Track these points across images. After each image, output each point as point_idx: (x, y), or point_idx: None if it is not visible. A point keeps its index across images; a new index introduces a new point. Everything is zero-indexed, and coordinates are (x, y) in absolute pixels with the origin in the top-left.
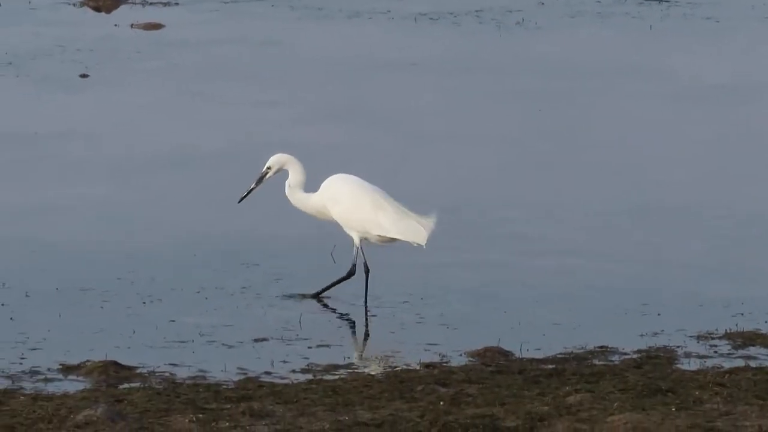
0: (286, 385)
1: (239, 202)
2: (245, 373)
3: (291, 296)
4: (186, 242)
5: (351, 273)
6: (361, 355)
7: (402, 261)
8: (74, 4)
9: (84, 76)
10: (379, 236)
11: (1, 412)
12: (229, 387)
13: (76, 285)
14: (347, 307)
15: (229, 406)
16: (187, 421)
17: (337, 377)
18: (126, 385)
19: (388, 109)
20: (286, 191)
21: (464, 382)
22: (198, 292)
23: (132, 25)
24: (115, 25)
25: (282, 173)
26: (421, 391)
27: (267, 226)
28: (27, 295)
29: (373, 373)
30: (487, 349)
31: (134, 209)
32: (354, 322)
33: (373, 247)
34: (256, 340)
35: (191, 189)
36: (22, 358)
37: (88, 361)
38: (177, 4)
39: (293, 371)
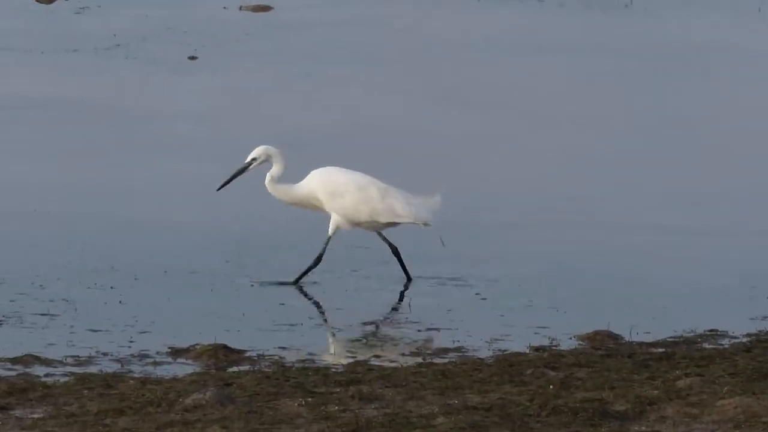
0: (395, 368)
1: (218, 189)
2: (354, 357)
3: (268, 284)
4: (294, 226)
5: (318, 261)
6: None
7: (511, 244)
8: None
9: (192, 58)
10: (386, 223)
11: (111, 395)
12: (338, 370)
13: (185, 268)
14: (456, 291)
15: (338, 389)
16: (296, 404)
17: (446, 361)
18: (235, 369)
19: (495, 92)
20: (266, 182)
21: (574, 366)
22: (307, 276)
23: (241, 8)
24: (224, 7)
25: (265, 165)
26: (530, 375)
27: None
28: (136, 278)
29: (482, 356)
30: (596, 333)
31: (242, 192)
32: (463, 306)
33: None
34: (365, 324)
35: (300, 172)
36: (131, 342)
37: (197, 344)
38: None
39: (403, 354)
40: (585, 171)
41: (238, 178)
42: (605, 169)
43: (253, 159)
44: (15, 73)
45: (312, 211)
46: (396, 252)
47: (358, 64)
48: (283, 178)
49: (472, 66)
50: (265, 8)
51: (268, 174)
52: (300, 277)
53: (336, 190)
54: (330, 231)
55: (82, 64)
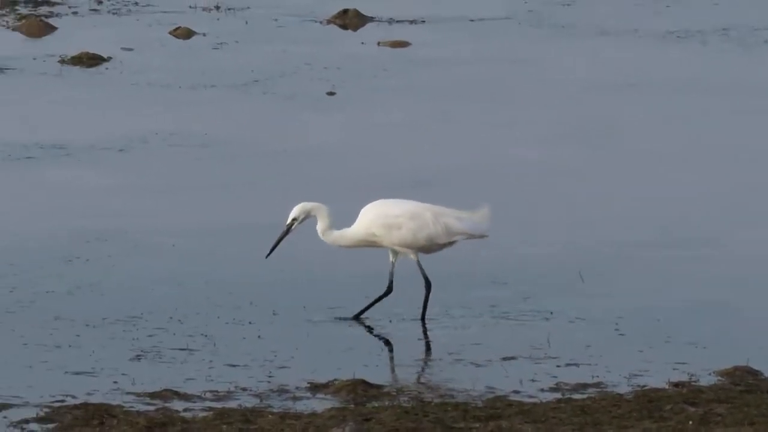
0: (534, 404)
1: (267, 257)
2: (494, 392)
3: (340, 319)
4: (433, 260)
5: (429, 287)
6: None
7: (648, 279)
8: (321, 22)
9: (331, 93)
10: (445, 244)
11: (250, 430)
12: (478, 406)
13: (324, 303)
14: (595, 326)
15: (477, 425)
16: None
17: (585, 396)
18: (374, 404)
19: (626, 130)
20: (321, 237)
21: (713, 402)
22: (446, 311)
23: (378, 43)
24: (362, 42)
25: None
26: (669, 411)
27: (515, 245)
28: (274, 314)
29: (621, 392)
30: (736, 368)
31: None
32: (601, 341)
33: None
34: (504, 359)
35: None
36: (270, 377)
37: (336, 379)
38: (423, 21)
39: (542, 390)
40: (720, 205)
41: (285, 240)
42: (741, 203)
43: (294, 219)
44: (152, 109)
45: (371, 248)
46: (428, 289)
47: (495, 102)
48: (333, 226)
49: (612, 105)
50: (403, 44)
51: (318, 228)
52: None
53: (392, 223)
54: (414, 257)
55: (220, 99)
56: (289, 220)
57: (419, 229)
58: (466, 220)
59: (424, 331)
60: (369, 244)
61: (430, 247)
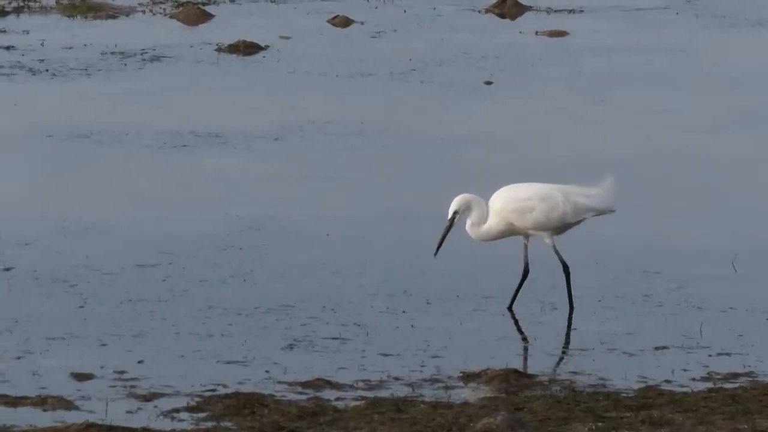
0: (685, 393)
1: (435, 255)
2: (645, 382)
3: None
4: (587, 250)
5: (567, 270)
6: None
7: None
8: (479, 11)
9: (488, 83)
10: (576, 222)
11: (401, 419)
12: (629, 395)
13: (477, 293)
14: (747, 315)
15: (628, 414)
16: (586, 429)
17: (737, 385)
18: (526, 393)
19: None
20: (467, 229)
21: None
22: (599, 300)
23: (536, 32)
24: (520, 32)
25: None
26: None
27: (665, 233)
28: (428, 302)
29: None
30: None
31: None
32: (754, 331)
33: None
34: (656, 348)
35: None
36: (423, 366)
37: (488, 368)
38: (582, 11)
39: (693, 379)
40: None
41: (449, 235)
42: None
43: (455, 212)
44: (308, 97)
45: (511, 236)
46: (567, 272)
47: (653, 91)
48: (483, 220)
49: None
50: (561, 33)
51: (468, 221)
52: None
53: (524, 206)
54: (549, 242)
55: (377, 88)
56: (450, 214)
57: (551, 210)
58: (594, 197)
59: (584, 321)
60: (507, 233)
61: (562, 228)
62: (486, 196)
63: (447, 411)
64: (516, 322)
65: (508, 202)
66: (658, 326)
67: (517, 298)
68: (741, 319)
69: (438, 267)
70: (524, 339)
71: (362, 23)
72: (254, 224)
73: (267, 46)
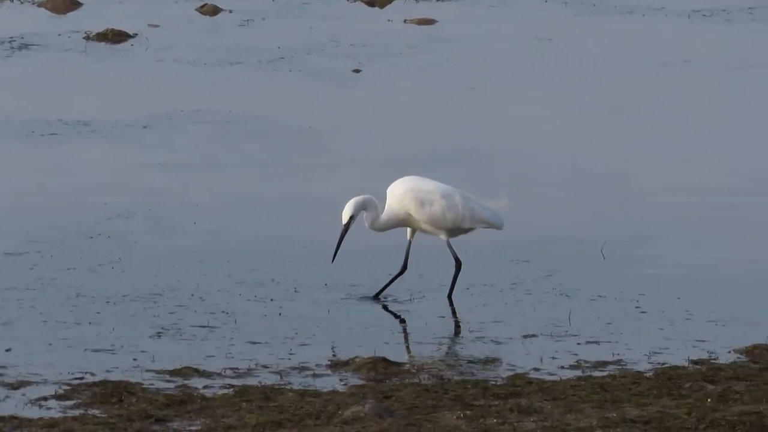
0: (554, 381)
1: (332, 261)
2: (514, 370)
3: (362, 298)
4: (456, 238)
5: (459, 266)
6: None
7: (670, 257)
8: (348, 0)
9: (356, 71)
10: (466, 229)
11: (269, 408)
12: (498, 383)
13: (345, 281)
14: (616, 304)
15: (497, 402)
16: (455, 417)
17: (605, 374)
18: (394, 381)
19: (660, 105)
20: (368, 226)
21: (732, 379)
22: (467, 288)
23: (405, 20)
24: (389, 20)
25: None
26: (689, 388)
27: (535, 223)
28: (296, 291)
29: (641, 369)
30: (755, 346)
31: None
32: (622, 319)
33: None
34: (525, 336)
35: (463, 185)
36: (291, 354)
37: (356, 357)
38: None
39: (562, 367)
40: (743, 181)
41: (345, 238)
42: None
43: (351, 217)
44: (177, 85)
45: (402, 227)
46: (458, 269)
47: (520, 79)
48: (379, 215)
49: (639, 82)
50: (429, 21)
51: (367, 220)
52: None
53: (425, 198)
54: (444, 237)
55: (245, 76)
56: (345, 219)
57: (449, 208)
58: (489, 210)
59: (452, 310)
60: (401, 223)
61: (452, 230)
62: (355, 186)
63: (315, 399)
64: (389, 308)
65: (411, 191)
66: (526, 314)
67: (385, 290)
68: (610, 307)
69: (306, 256)
70: (392, 328)
71: (231, 11)
72: (122, 212)
73: (135, 35)
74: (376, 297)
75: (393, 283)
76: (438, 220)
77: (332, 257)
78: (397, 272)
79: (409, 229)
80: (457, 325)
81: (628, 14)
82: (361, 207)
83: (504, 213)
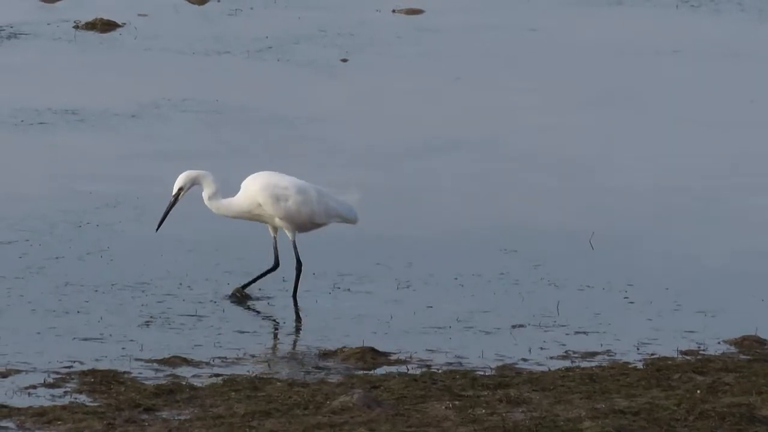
0: (543, 372)
1: (157, 230)
2: (502, 360)
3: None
4: (444, 228)
5: (299, 267)
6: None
7: (657, 247)
8: None
9: (344, 60)
10: (320, 224)
11: (258, 397)
12: (486, 374)
13: (333, 271)
14: (604, 294)
15: (485, 393)
16: (443, 407)
17: (594, 364)
18: (382, 371)
19: (648, 95)
20: (206, 203)
21: (721, 371)
22: (455, 278)
23: (393, 10)
24: (377, 10)
25: (195, 188)
26: (678, 380)
27: (523, 213)
28: (284, 280)
29: (630, 360)
30: (744, 338)
31: (388, 196)
32: (610, 309)
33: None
34: (513, 327)
35: (448, 176)
36: (279, 343)
37: (344, 347)
38: None
39: (550, 358)
40: (721, 170)
41: (173, 210)
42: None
43: (180, 189)
44: (165, 74)
45: (252, 221)
46: (299, 269)
47: (507, 69)
48: (219, 194)
49: (627, 72)
50: (417, 11)
51: (203, 195)
52: (252, 282)
53: (280, 194)
54: (291, 236)
55: (233, 65)
56: (175, 190)
57: (304, 204)
58: (343, 204)
59: (296, 311)
60: (252, 217)
61: (307, 225)
62: (339, 175)
63: (303, 389)
64: (377, 298)
65: (266, 187)
66: (515, 304)
67: (253, 284)
68: (598, 298)
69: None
70: (381, 317)
71: (219, 1)
72: (110, 201)
73: (124, 24)
74: (243, 288)
75: (262, 279)
76: (292, 216)
77: (157, 226)
78: (268, 268)
79: (268, 226)
80: (446, 316)
81: (617, 5)
82: (193, 182)
83: (357, 207)
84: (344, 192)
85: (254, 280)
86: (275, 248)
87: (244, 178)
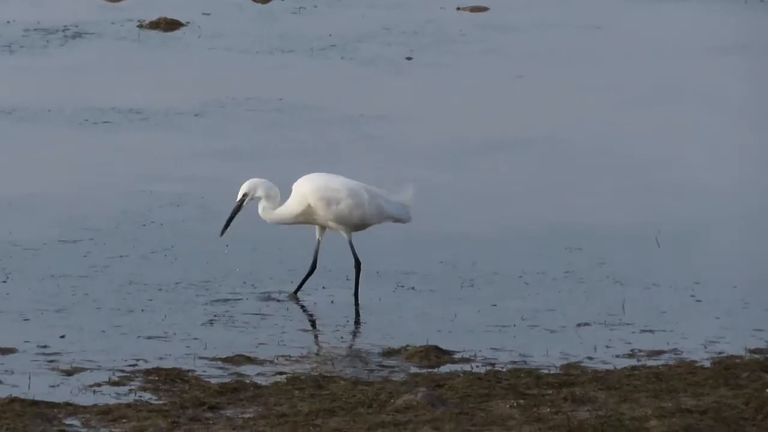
0: (608, 370)
1: (221, 236)
2: (567, 359)
3: (267, 298)
4: (508, 226)
5: (359, 266)
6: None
7: (724, 245)
8: None
9: (408, 58)
10: (371, 224)
11: (322, 396)
12: (551, 372)
13: (398, 269)
14: (671, 293)
15: (550, 391)
16: (507, 406)
17: (660, 363)
18: (447, 370)
19: (714, 93)
20: (260, 213)
21: None
22: (520, 277)
23: (458, 8)
24: (441, 7)
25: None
26: (746, 378)
27: (588, 211)
28: (347, 279)
29: (697, 359)
30: None
31: (455, 193)
32: (677, 307)
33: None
34: (578, 325)
35: (515, 173)
36: (343, 342)
37: (408, 345)
38: None
39: (616, 356)
40: None
41: (237, 216)
42: None
43: (245, 194)
44: (229, 73)
45: (307, 224)
46: (358, 269)
47: (570, 67)
48: (278, 203)
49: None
50: (482, 9)
51: (260, 206)
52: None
53: (331, 197)
54: (347, 236)
55: (297, 64)
56: (239, 196)
57: (356, 207)
58: (396, 204)
59: (356, 311)
60: (306, 220)
61: (360, 226)
62: (402, 173)
63: (367, 387)
64: (441, 296)
65: (317, 190)
66: (580, 302)
67: (301, 289)
68: (664, 296)
69: (358, 244)
70: (445, 316)
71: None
72: (174, 200)
73: (188, 23)
74: (295, 293)
75: (305, 285)
76: (345, 218)
77: (221, 231)
78: (306, 273)
79: (317, 228)
80: (510, 314)
81: (683, 0)
82: (255, 189)
83: (410, 206)
84: (398, 191)
85: (300, 287)
86: (316, 251)
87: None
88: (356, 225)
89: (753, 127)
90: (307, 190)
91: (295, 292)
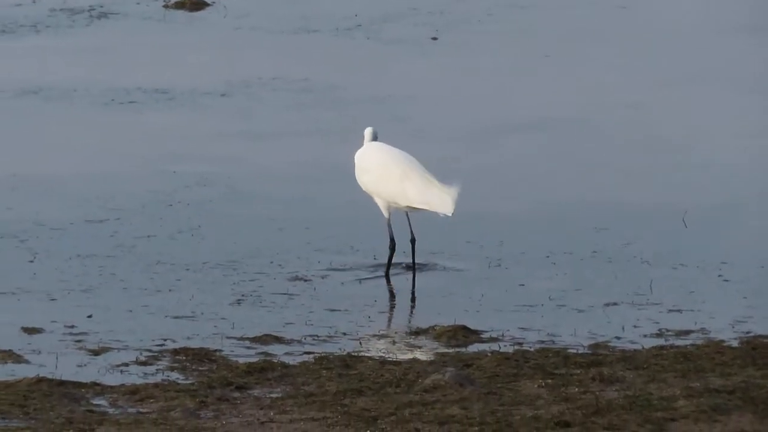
0: (636, 350)
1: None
2: (595, 338)
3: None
4: (535, 206)
5: (391, 247)
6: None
7: (751, 226)
8: None
9: (434, 38)
10: (406, 206)
11: (349, 375)
12: (579, 352)
13: (426, 248)
14: (699, 272)
15: (578, 371)
16: (536, 386)
17: (688, 343)
18: (474, 349)
19: (740, 72)
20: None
21: None
22: (547, 257)
23: None
24: None
25: None
26: None
27: (615, 191)
28: (375, 258)
29: (724, 339)
30: None
31: (479, 174)
32: (705, 287)
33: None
34: (606, 305)
35: (542, 153)
36: (371, 321)
37: (436, 325)
38: None
39: (644, 336)
40: None
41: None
42: None
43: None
44: (254, 53)
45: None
46: (392, 249)
47: (597, 47)
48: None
49: (708, 46)
50: None
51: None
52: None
53: (363, 165)
54: (385, 213)
55: (322, 44)
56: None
57: (381, 180)
58: (427, 194)
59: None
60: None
61: (393, 205)
62: (430, 152)
63: (395, 367)
64: (468, 276)
65: (359, 159)
66: (607, 282)
67: (389, 272)
68: (692, 276)
69: (380, 226)
70: (472, 295)
71: None
72: (201, 180)
73: (213, 2)
74: (387, 281)
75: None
76: (373, 190)
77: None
78: (389, 254)
79: (381, 204)
80: (538, 294)
81: None
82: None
83: (452, 200)
84: (449, 183)
85: (387, 270)
86: (389, 227)
87: (333, 158)
88: (387, 201)
89: None
90: (355, 159)
91: (387, 279)
